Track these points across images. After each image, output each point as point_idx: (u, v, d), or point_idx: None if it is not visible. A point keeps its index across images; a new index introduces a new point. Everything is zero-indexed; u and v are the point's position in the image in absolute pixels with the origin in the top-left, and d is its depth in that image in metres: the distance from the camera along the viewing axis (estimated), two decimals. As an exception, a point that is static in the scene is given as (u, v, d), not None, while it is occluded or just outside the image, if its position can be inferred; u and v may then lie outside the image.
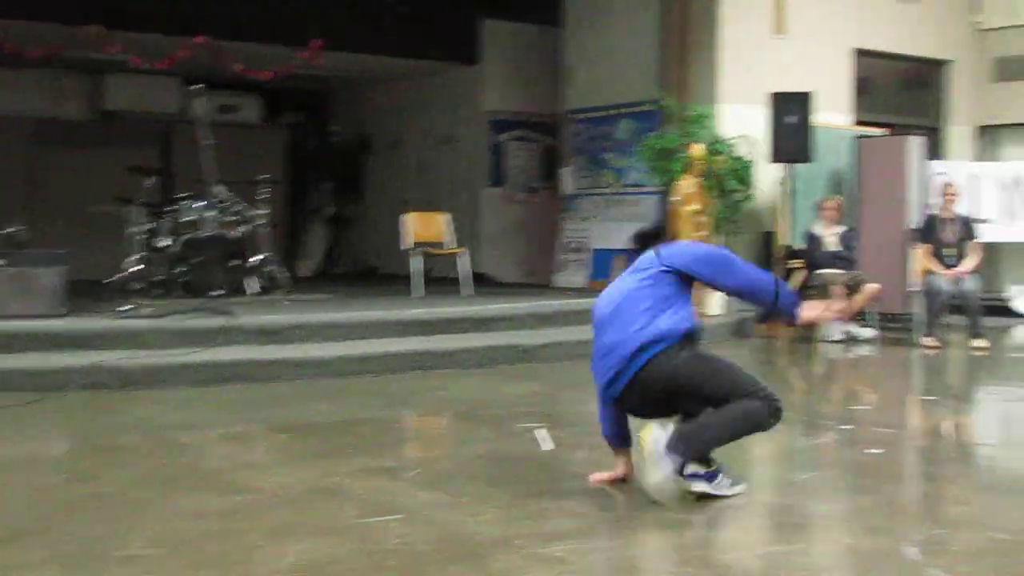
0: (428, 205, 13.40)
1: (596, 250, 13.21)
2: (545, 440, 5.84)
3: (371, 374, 8.14)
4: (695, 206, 10.90)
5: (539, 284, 13.56)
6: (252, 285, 11.03)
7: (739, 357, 9.97)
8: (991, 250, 13.88)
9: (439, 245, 12.04)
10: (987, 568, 3.78)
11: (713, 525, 4.41)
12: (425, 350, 8.67)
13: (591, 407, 7.17)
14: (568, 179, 13.76)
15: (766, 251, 12.03)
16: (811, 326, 10.55)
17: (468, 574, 3.69)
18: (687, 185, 10.96)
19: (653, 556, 3.87)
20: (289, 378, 7.87)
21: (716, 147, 11.43)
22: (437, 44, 14.27)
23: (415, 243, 11.83)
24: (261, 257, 11.17)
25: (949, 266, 10.59)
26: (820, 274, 10.83)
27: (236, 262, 11.07)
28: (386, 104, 16.53)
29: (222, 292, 10.63)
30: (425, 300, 10.92)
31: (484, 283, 13.19)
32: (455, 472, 5.28)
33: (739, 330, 10.98)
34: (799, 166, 11.56)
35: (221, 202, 10.98)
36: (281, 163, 16.72)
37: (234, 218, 11.03)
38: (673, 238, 10.91)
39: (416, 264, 11.63)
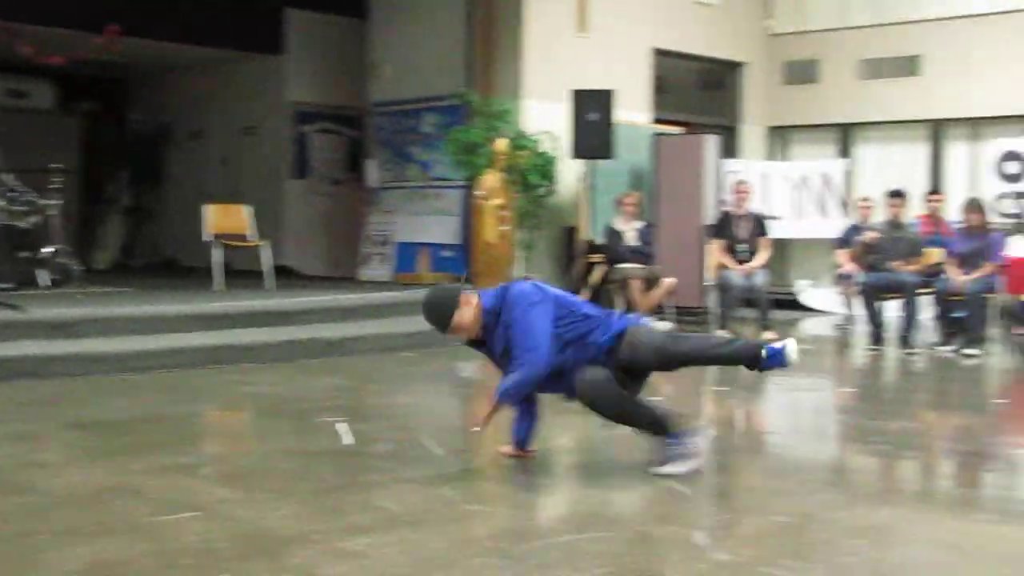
0: (230, 197, 13.12)
1: (401, 243, 13.20)
2: (346, 434, 5.82)
3: (169, 369, 7.94)
4: (499, 200, 11.02)
5: (344, 277, 13.46)
6: (44, 277, 10.61)
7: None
8: (781, 246, 14.49)
9: (241, 237, 11.82)
10: (769, 550, 3.95)
11: (514, 515, 4.48)
12: (226, 344, 8.51)
13: (394, 400, 7.21)
14: (373, 172, 13.70)
15: (568, 245, 12.26)
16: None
17: (264, 570, 3.65)
18: (491, 179, 11.06)
19: (454, 548, 3.91)
20: (83, 374, 7.61)
21: (520, 142, 11.58)
22: (241, 33, 13.98)
23: (216, 235, 11.60)
24: (53, 249, 10.75)
25: (741, 261, 10.99)
26: (619, 268, 11.09)
27: (26, 254, 10.63)
28: (188, 93, 16.11)
29: (11, 285, 10.19)
30: (226, 293, 10.72)
31: (288, 276, 13.02)
32: (254, 468, 5.22)
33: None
34: (600, 162, 11.81)
35: (10, 191, 10.53)
36: (76, 152, 16.09)
37: (24, 208, 10.59)
38: (477, 232, 11.03)
39: (217, 256, 11.40)
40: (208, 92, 15.67)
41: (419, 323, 9.04)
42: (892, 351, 10.00)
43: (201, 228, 11.67)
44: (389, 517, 4.29)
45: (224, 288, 11.07)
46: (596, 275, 11.75)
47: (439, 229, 12.88)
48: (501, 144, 11.13)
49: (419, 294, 11.10)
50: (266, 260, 11.57)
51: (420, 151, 13.26)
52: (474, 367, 9.37)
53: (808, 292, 13.94)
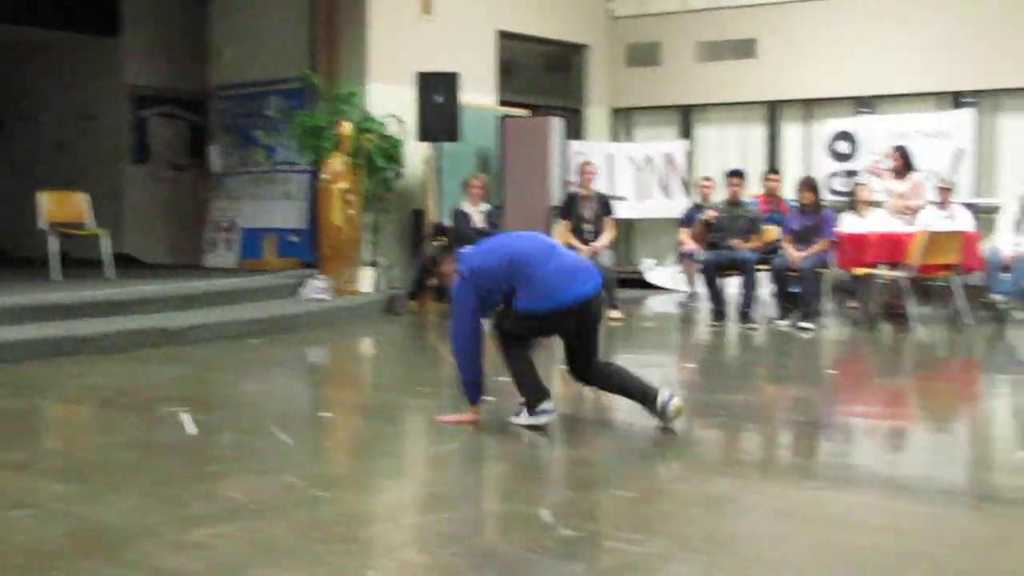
0: (67, 183, 12.68)
1: (247, 229, 12.97)
2: (189, 424, 5.71)
3: (5, 362, 7.65)
4: (345, 184, 10.91)
5: (188, 265, 13.17)
6: None
7: (390, 334, 10.18)
8: (625, 226, 14.72)
9: (79, 225, 11.46)
10: (612, 524, 4.02)
11: (361, 500, 4.46)
12: (64, 335, 8.24)
13: (240, 388, 7.09)
14: (216, 157, 13.42)
15: (415, 228, 12.23)
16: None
17: (101, 567, 3.56)
18: (337, 163, 10.95)
19: (298, 534, 3.87)
20: (-91, 370, 7.29)
21: (366, 125, 11.47)
22: (74, 14, 13.52)
23: (51, 223, 11.22)
24: None
25: (587, 241, 11.13)
26: (468, 250, 11.11)
27: None
28: (20, 76, 15.50)
29: None
30: (64, 283, 10.38)
31: (129, 264, 12.67)
32: (93, 461, 5.08)
33: (389, 307, 11.12)
34: (447, 145, 11.79)
35: None
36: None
37: None
38: (324, 217, 10.91)
39: (53, 246, 11.03)
40: (40, 75, 15.11)
41: (265, 309, 8.96)
42: (733, 326, 10.26)
43: (36, 216, 11.27)
44: (233, 507, 4.23)
45: (62, 278, 10.71)
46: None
47: (285, 214, 12.71)
48: (346, 127, 11.02)
49: (264, 280, 11.05)
50: (105, 248, 11.24)
51: (265, 135, 13.04)
52: (323, 352, 9.30)
53: (652, 270, 14.21)
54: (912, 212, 11.25)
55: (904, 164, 11.68)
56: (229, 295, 10.39)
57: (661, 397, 5.59)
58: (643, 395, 5.69)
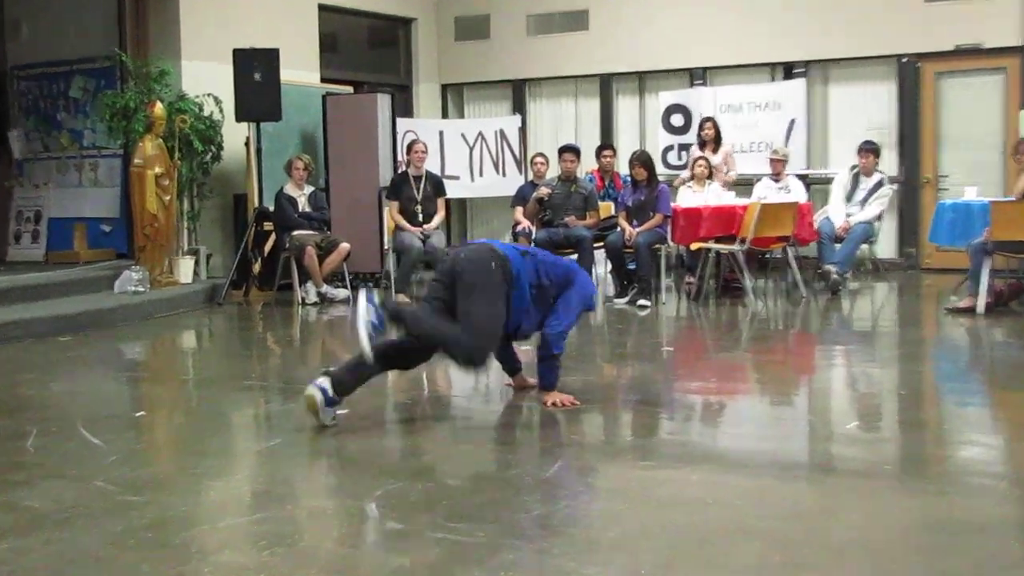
0: None
1: (54, 219, 12.54)
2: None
3: None
4: (159, 169, 10.63)
5: (-10, 259, 12.67)
6: None
7: (215, 325, 9.98)
8: (459, 205, 14.76)
9: None
10: (442, 513, 4.01)
11: (175, 503, 4.34)
12: None
13: (46, 390, 6.84)
14: (17, 142, 12.91)
15: (237, 214, 12.01)
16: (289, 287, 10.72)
17: None
18: (150, 147, 10.65)
19: (107, 543, 3.74)
20: None
21: (180, 106, 11.20)
22: None
23: None
24: None
25: (418, 223, 11.10)
26: (294, 236, 10.96)
27: None
28: None
29: None
30: None
31: (-76, 261, 12.12)
32: None
33: (211, 296, 10.91)
34: (268, 125, 11.61)
35: None
36: None
37: None
38: (138, 204, 10.62)
39: None
40: None
41: (76, 304, 8.69)
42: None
43: None
44: (34, 517, 4.08)
45: None
46: (269, 244, 11.58)
47: (96, 202, 12.33)
48: (159, 108, 10.72)
49: (75, 273, 10.69)
50: None
51: (70, 118, 12.61)
52: (140, 348, 9.05)
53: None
54: (727, 184, 11.57)
55: (716, 135, 11.98)
56: (36, 290, 10.02)
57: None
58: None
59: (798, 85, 13.05)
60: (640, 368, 7.49)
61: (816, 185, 13.02)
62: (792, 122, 12.94)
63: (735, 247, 10.30)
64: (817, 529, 3.86)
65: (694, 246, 10.68)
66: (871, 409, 6.11)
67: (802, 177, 12.26)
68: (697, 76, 13.82)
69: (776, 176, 11.53)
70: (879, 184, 11.26)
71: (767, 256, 11.73)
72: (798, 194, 11.33)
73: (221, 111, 11.50)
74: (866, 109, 13.08)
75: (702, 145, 11.99)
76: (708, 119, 12.18)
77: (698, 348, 8.66)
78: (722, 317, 9.92)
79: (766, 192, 11.32)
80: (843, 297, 10.62)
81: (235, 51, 11.21)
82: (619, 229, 10.56)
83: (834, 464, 4.87)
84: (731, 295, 10.74)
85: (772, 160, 11.61)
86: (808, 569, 3.48)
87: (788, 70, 13.36)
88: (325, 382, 5.37)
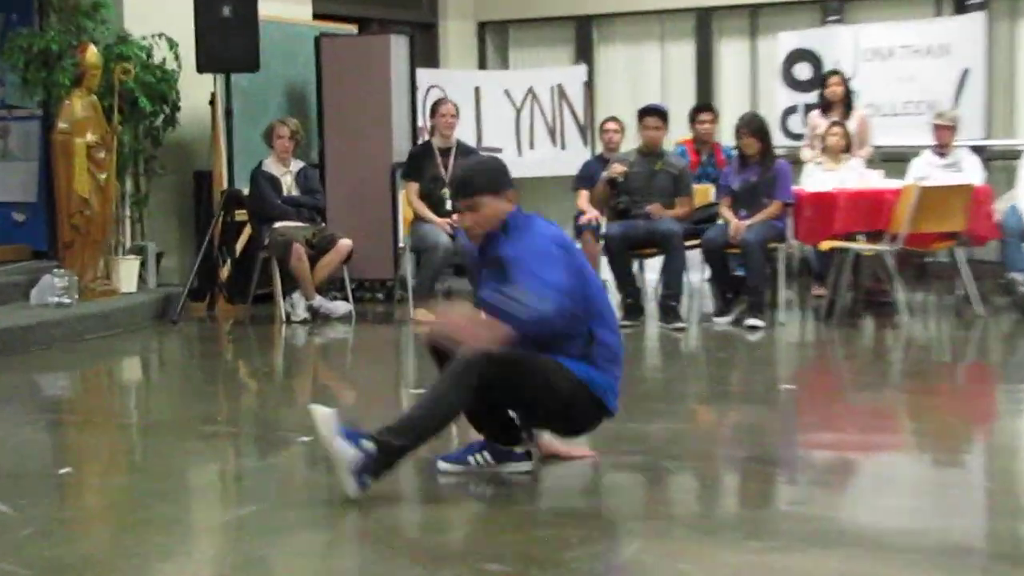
0: None
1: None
2: None
3: None
4: (91, 136, 10.71)
5: None
6: None
7: (168, 350, 10.05)
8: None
9: None
10: None
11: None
12: None
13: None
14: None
15: (199, 199, 12.08)
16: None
17: None
18: (79, 106, 10.75)
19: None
20: None
21: (121, 51, 11.29)
22: None
23: None
24: None
25: (446, 212, 11.09)
26: (277, 229, 10.99)
27: None
28: None
29: None
30: None
31: None
32: None
33: (163, 311, 10.98)
34: (242, 77, 11.66)
35: None
36: None
37: None
38: (62, 184, 10.70)
39: None
40: None
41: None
42: (653, 326, 10.34)
43: None
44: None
45: None
46: (243, 240, 11.63)
47: (5, 182, 12.45)
48: (91, 54, 10.81)
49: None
50: None
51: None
52: (65, 381, 9.12)
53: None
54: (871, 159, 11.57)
55: (846, 95, 11.92)
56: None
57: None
58: None
59: (975, 22, 12.96)
60: (750, 413, 7.45)
61: (998, 162, 12.91)
62: (965, 73, 12.85)
63: (883, 247, 10.23)
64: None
65: (825, 245, 10.61)
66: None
67: (978, 151, 12.15)
68: (831, 10, 13.77)
69: (942, 149, 11.44)
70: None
71: (928, 260, 11.65)
72: (972, 174, 11.24)
73: (177, 58, 11.58)
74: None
75: (825, 108, 11.94)
76: (834, 73, 12.13)
77: (830, 386, 8.61)
78: (864, 344, 9.86)
79: (928, 171, 11.23)
80: (1035, 317, 10.54)
81: (197, -24, 11.30)
82: (721, 221, 10.53)
83: (1022, 550, 4.82)
84: (877, 313, 10.67)
85: (936, 127, 11.52)
86: None
87: (960, 2, 13.28)
88: (370, 447, 5.29)
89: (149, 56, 11.51)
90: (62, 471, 6.50)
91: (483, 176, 5.90)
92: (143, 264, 11.50)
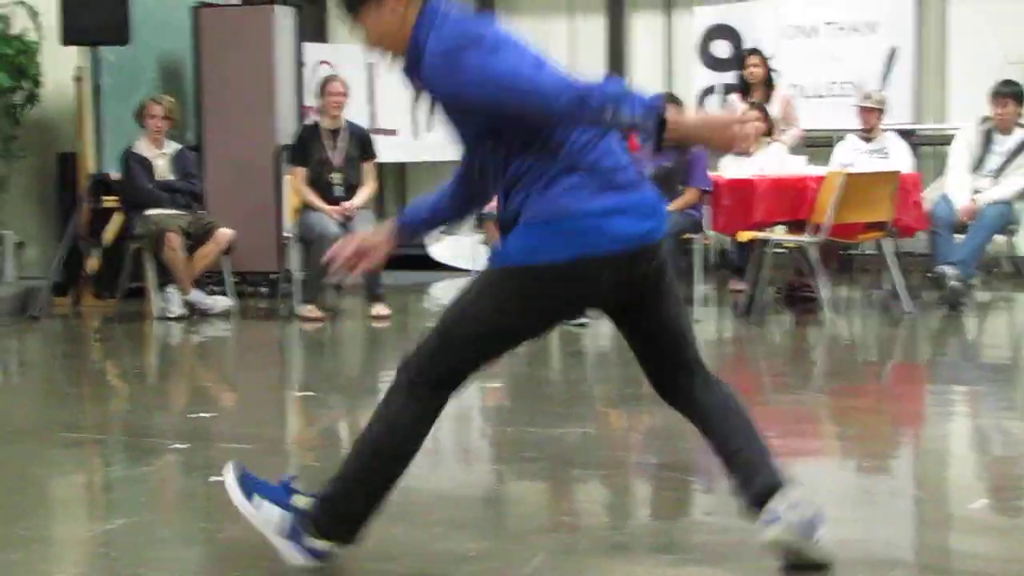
0: None
1: None
2: None
3: None
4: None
5: None
6: None
7: (28, 349, 9.96)
8: (396, 174, 14.74)
9: None
10: None
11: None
12: None
13: None
14: None
15: (63, 183, 11.98)
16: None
17: None
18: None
19: None
20: None
21: (-26, 21, 11.22)
22: None
23: None
24: None
25: (336, 199, 11.05)
26: (149, 217, 10.92)
27: None
28: None
29: None
30: None
31: None
32: None
33: (23, 307, 10.89)
34: (111, 50, 11.57)
35: None
36: None
37: None
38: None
39: None
40: None
41: None
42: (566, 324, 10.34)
43: None
44: None
45: None
46: (112, 228, 11.55)
47: None
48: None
49: None
50: None
51: None
52: None
53: (438, 241, 14.19)
54: (794, 143, 11.67)
55: (766, 76, 12.00)
56: None
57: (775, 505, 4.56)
58: (748, 477, 4.70)
59: (903, -1, 13.12)
60: (662, 417, 7.45)
61: (927, 147, 13.05)
62: (893, 52, 12.98)
63: (805, 238, 10.31)
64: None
65: (744, 236, 10.68)
66: (1007, 481, 6.12)
67: (907, 135, 12.26)
68: (752, -15, 13.88)
69: (868, 133, 11.53)
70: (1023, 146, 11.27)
71: (853, 252, 11.75)
72: (900, 160, 11.33)
73: (39, 29, 11.48)
74: (1003, 35, 13.12)
75: (744, 90, 12.02)
76: (753, 51, 12.21)
77: (749, 387, 8.65)
78: (786, 342, 9.94)
79: (853, 157, 11.32)
80: (966, 313, 10.63)
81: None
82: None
83: (951, 562, 4.87)
84: (799, 309, 10.75)
85: (862, 109, 11.61)
86: None
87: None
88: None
89: (6, 26, 11.41)
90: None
91: None
92: (0, 255, 11.39)
